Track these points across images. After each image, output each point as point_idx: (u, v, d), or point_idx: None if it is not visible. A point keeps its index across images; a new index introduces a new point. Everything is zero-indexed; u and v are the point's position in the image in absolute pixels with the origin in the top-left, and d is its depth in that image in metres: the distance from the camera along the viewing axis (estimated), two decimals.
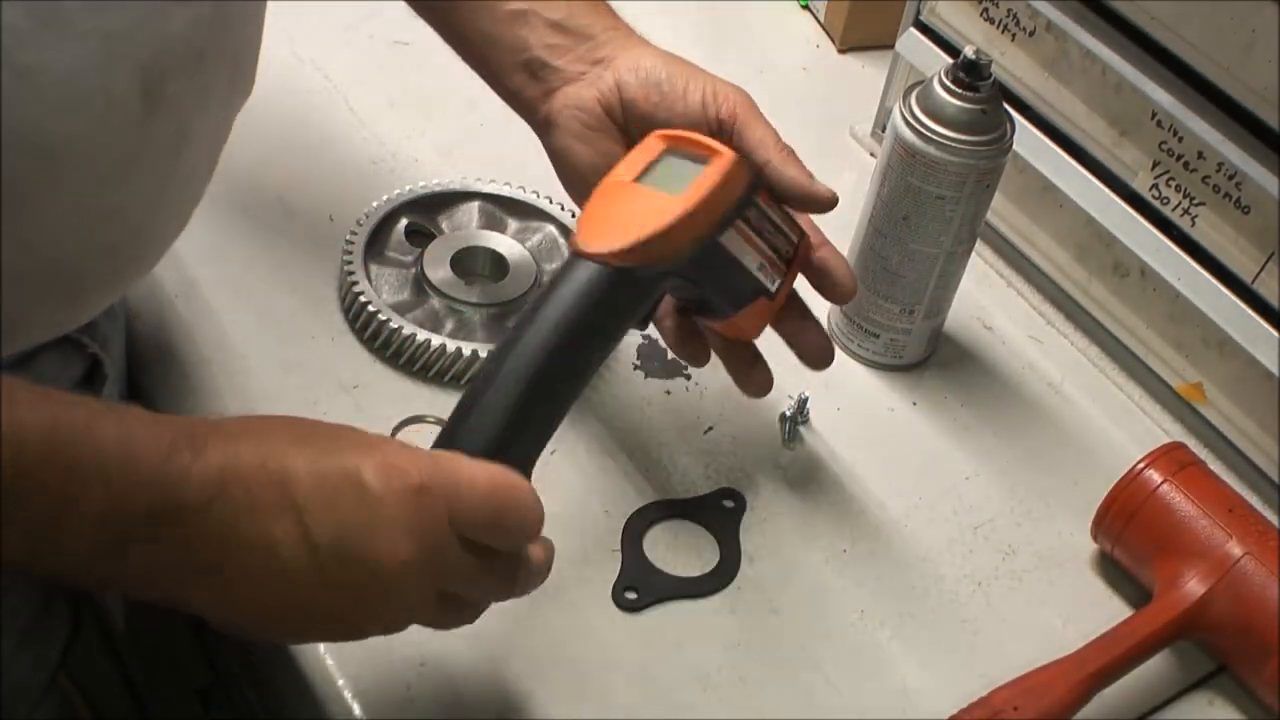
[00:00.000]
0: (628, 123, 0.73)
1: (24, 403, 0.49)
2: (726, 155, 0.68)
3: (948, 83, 0.77)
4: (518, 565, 0.59)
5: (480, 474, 0.57)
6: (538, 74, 0.74)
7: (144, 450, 0.51)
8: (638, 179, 0.67)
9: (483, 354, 0.79)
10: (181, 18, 0.58)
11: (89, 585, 0.54)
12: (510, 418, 0.61)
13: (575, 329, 0.62)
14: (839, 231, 0.89)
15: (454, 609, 0.60)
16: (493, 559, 0.58)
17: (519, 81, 0.75)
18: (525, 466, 0.61)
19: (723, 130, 0.72)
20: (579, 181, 0.74)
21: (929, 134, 0.77)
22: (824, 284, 0.75)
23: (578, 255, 0.64)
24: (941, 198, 0.78)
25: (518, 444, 0.61)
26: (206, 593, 0.54)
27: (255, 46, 0.70)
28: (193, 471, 0.51)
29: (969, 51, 0.76)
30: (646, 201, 0.66)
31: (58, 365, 0.70)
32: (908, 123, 0.78)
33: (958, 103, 0.77)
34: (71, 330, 0.68)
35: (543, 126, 0.75)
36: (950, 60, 0.78)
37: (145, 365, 0.81)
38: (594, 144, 0.73)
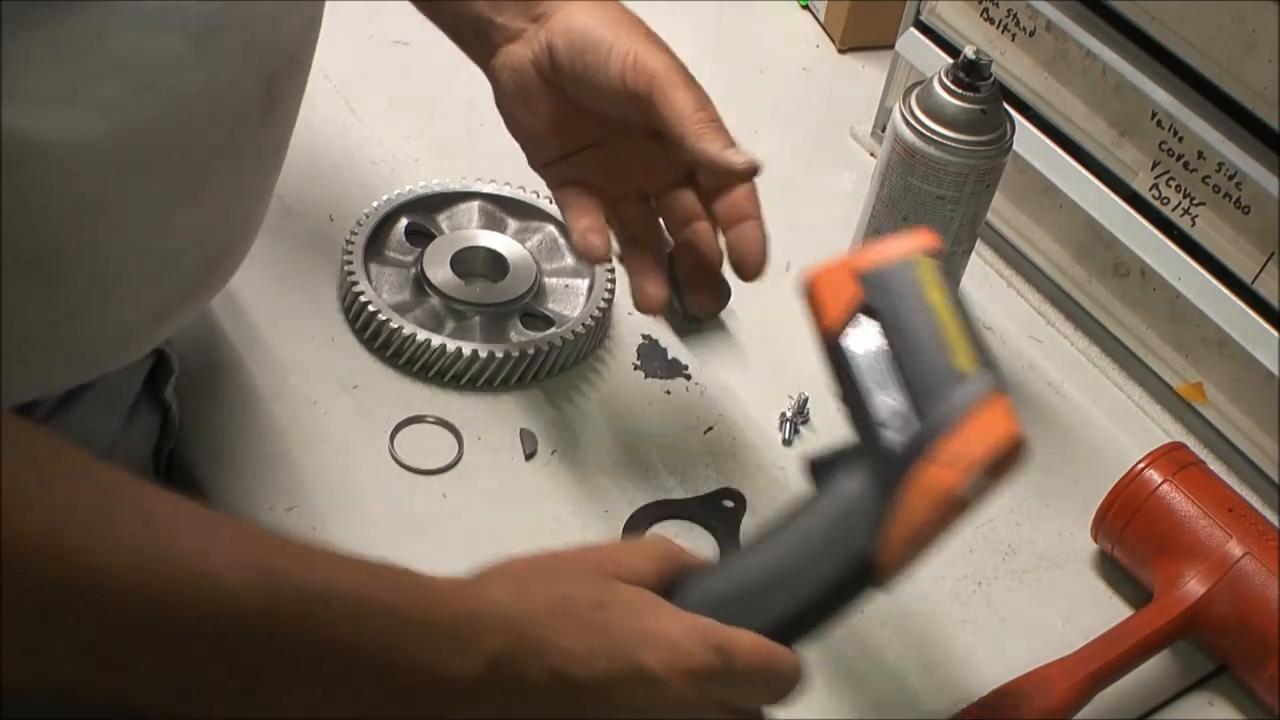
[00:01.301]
0: (562, 84, 0.70)
1: (281, 571, 0.46)
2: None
3: (948, 83, 0.77)
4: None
5: (747, 639, 0.54)
6: (483, 32, 0.72)
7: (414, 641, 0.48)
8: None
9: (483, 354, 0.79)
10: (291, 25, 0.60)
11: None
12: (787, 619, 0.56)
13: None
14: (840, 229, 0.89)
15: None
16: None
17: (471, 41, 0.74)
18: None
19: (641, 103, 0.68)
20: (523, 139, 0.74)
21: (929, 134, 0.77)
22: (733, 263, 0.70)
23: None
24: (941, 198, 0.78)
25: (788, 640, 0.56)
26: None
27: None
28: (461, 662, 0.49)
29: (969, 51, 0.76)
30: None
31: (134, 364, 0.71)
32: (908, 123, 0.78)
33: (958, 103, 0.77)
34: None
35: (492, 85, 0.74)
36: (950, 60, 0.78)
37: None
38: (531, 105, 0.72)
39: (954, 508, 0.54)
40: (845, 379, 0.57)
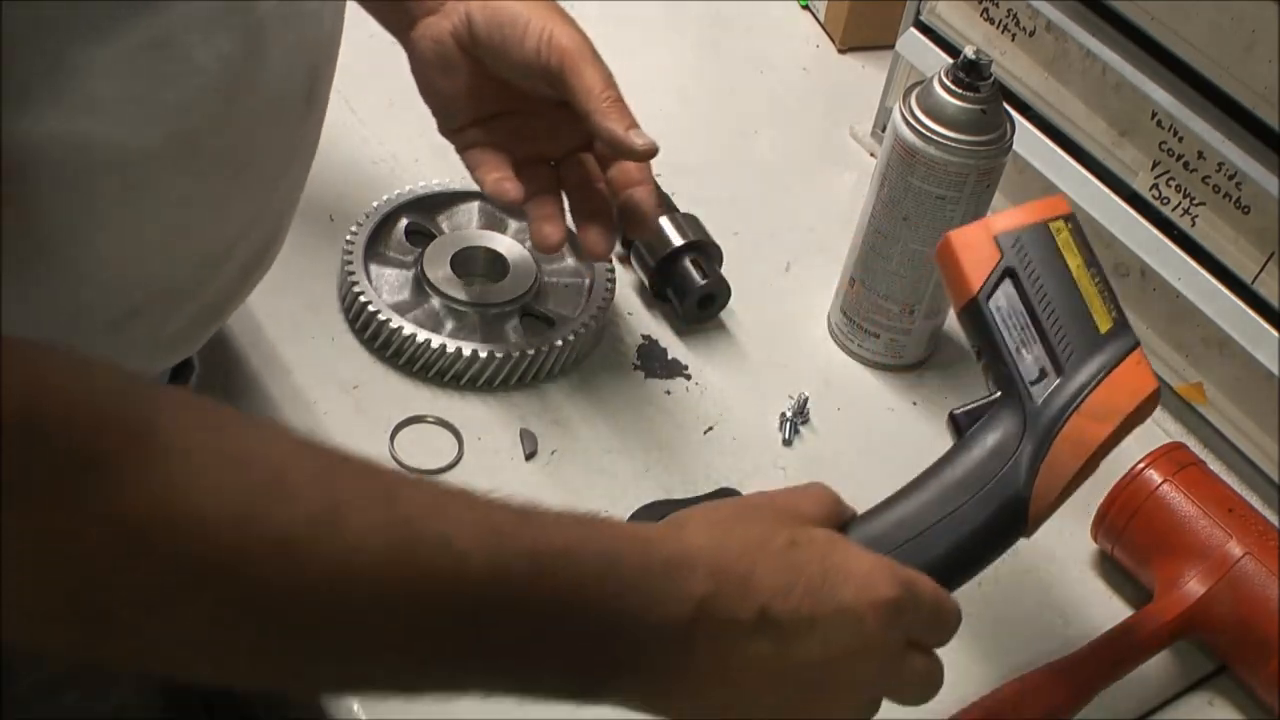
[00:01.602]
0: (479, 56, 0.74)
1: (507, 531, 0.48)
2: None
3: (948, 83, 0.77)
4: (939, 668, 0.59)
5: (923, 578, 0.57)
6: (403, 4, 0.75)
7: (628, 576, 0.50)
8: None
9: (483, 354, 0.79)
10: (330, 18, 0.62)
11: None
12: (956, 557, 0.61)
13: None
14: (840, 229, 0.89)
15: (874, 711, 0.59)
16: (927, 660, 0.58)
17: (389, 13, 0.76)
18: None
19: (552, 77, 0.71)
20: (437, 106, 0.77)
21: (929, 134, 0.77)
22: (623, 217, 0.76)
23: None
24: (941, 198, 0.78)
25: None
26: (684, 707, 0.53)
27: None
28: (673, 603, 0.51)
29: (969, 51, 0.76)
30: None
31: None
32: (908, 123, 0.78)
33: (958, 103, 0.77)
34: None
35: (409, 54, 0.77)
36: (950, 60, 0.78)
37: None
38: (449, 74, 0.75)
39: (1097, 456, 0.60)
40: (986, 337, 0.62)
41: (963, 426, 0.62)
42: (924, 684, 0.58)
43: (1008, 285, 0.63)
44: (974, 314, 0.63)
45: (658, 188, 0.84)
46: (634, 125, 0.71)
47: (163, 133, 0.53)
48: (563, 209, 0.78)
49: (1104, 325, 0.62)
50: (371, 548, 0.45)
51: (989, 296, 0.63)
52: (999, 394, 0.62)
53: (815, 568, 0.54)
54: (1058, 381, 0.61)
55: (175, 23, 0.51)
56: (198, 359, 0.75)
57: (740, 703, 0.53)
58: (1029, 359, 0.62)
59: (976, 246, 0.63)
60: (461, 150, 0.77)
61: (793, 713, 0.55)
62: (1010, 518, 0.60)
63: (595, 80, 0.71)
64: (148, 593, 0.42)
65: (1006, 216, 0.64)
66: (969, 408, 0.62)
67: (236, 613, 0.43)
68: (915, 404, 0.86)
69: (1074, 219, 0.64)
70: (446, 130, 0.78)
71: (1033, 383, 0.61)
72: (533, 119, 0.76)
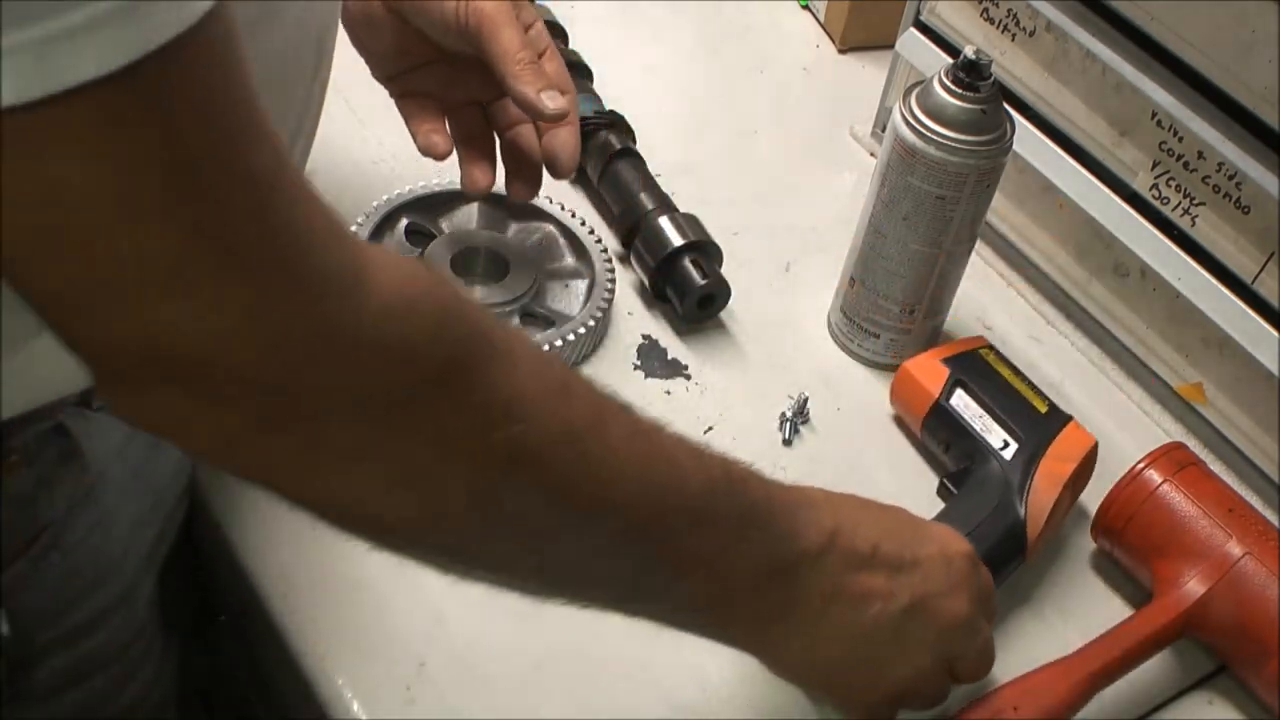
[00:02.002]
0: (403, 15, 0.75)
1: (704, 454, 0.57)
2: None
3: (948, 83, 0.77)
4: (993, 644, 0.66)
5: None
6: None
7: (781, 505, 0.59)
8: None
9: None
10: None
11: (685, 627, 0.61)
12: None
13: None
14: (840, 229, 0.89)
15: (944, 680, 0.65)
16: (988, 630, 0.65)
17: None
18: None
19: (472, 40, 0.73)
20: (367, 56, 0.79)
21: (929, 134, 0.77)
22: (546, 161, 0.78)
23: None
24: (941, 198, 0.78)
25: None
26: (791, 637, 0.60)
27: None
28: (809, 533, 0.59)
29: (969, 51, 0.76)
30: None
31: None
32: (908, 123, 0.78)
33: (958, 103, 0.77)
34: None
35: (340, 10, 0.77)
36: (950, 60, 0.78)
37: None
38: (375, 29, 0.76)
39: (1066, 492, 0.76)
40: (955, 426, 0.79)
41: (955, 484, 0.77)
42: (985, 649, 0.65)
43: (960, 392, 0.80)
44: (940, 413, 0.80)
45: (648, 177, 0.85)
46: (547, 87, 0.73)
47: None
48: (494, 152, 0.80)
49: (1042, 408, 0.79)
50: (625, 453, 0.53)
51: (948, 399, 0.80)
52: (972, 464, 0.77)
53: (907, 525, 0.64)
54: (1017, 445, 0.77)
55: None
56: None
57: (850, 634, 0.60)
58: (991, 437, 0.78)
59: (929, 369, 0.81)
60: (394, 97, 0.80)
61: (890, 646, 0.61)
62: (1014, 542, 0.73)
63: (511, 43, 0.72)
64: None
65: (942, 350, 0.82)
66: (953, 474, 0.78)
67: (534, 493, 0.50)
68: None
69: (993, 347, 0.83)
70: (378, 77, 0.80)
71: (1000, 449, 0.77)
72: (460, 66, 0.77)
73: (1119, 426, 0.86)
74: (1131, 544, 0.74)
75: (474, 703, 0.68)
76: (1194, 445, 0.83)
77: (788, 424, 0.82)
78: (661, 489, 0.54)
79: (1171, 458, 0.75)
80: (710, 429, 0.82)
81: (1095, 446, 0.78)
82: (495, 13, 0.72)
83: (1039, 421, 0.78)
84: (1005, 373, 0.81)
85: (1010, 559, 0.73)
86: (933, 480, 0.81)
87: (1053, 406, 0.79)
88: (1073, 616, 0.75)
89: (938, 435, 0.80)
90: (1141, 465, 0.74)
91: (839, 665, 0.61)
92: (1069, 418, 0.79)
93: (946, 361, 0.81)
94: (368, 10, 0.76)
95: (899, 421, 0.85)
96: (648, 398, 0.83)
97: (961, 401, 0.79)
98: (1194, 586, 0.70)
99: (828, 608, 0.59)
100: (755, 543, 0.57)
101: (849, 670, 0.61)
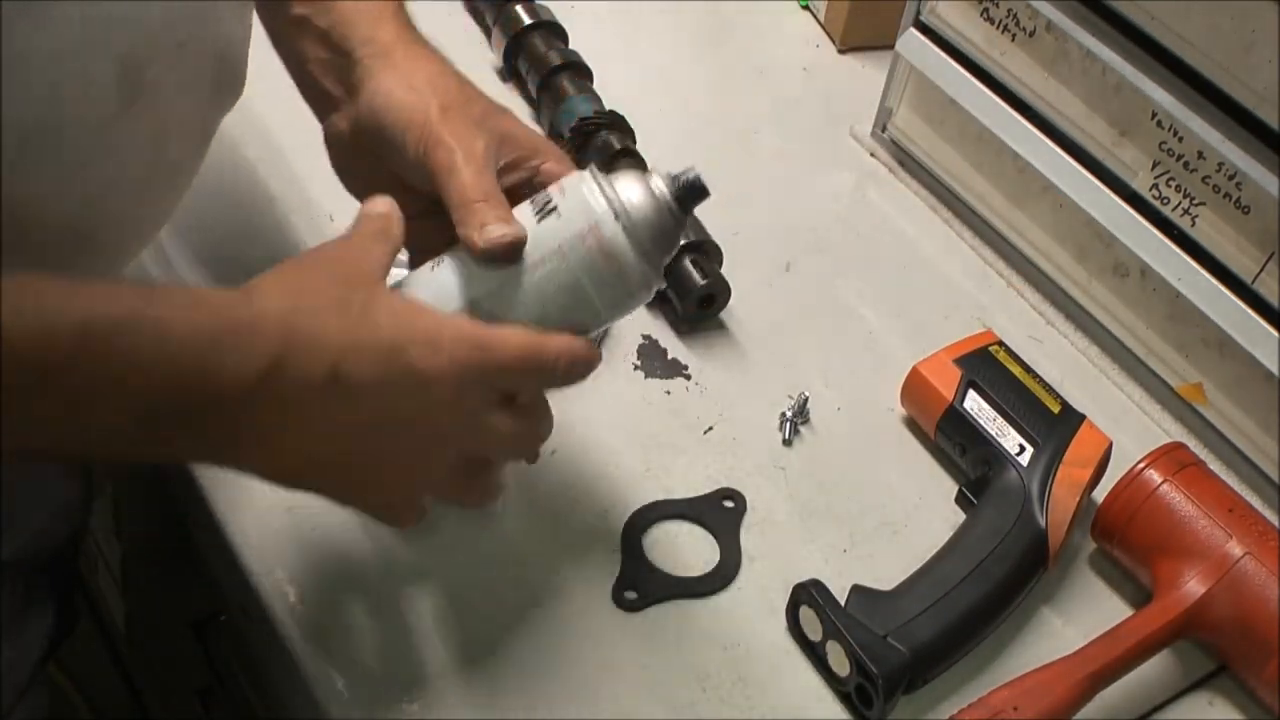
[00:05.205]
0: (379, 156, 0.69)
1: (56, 295, 0.51)
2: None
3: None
4: (530, 425, 0.63)
5: (512, 335, 0.60)
6: (319, 99, 0.72)
7: (179, 347, 0.53)
8: None
9: None
10: (160, 9, 0.60)
11: (134, 462, 0.59)
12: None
13: None
14: (840, 229, 0.88)
15: (474, 474, 0.63)
16: (520, 412, 0.62)
17: (312, 103, 0.73)
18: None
19: (431, 184, 0.66)
20: (354, 193, 0.72)
21: None
22: None
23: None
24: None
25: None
26: (254, 461, 0.58)
27: (242, 44, 0.70)
28: (235, 367, 0.54)
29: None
30: None
31: None
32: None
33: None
34: None
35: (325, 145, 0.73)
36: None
37: None
38: (358, 174, 0.71)
39: (1084, 495, 0.76)
40: (970, 432, 0.79)
41: (974, 494, 0.76)
42: (514, 442, 0.63)
43: (973, 393, 0.79)
44: (954, 417, 0.79)
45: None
46: (485, 222, 0.63)
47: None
48: None
49: (1055, 408, 0.79)
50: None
51: (962, 401, 0.79)
52: (989, 470, 0.76)
53: (387, 332, 0.58)
54: (1034, 450, 0.76)
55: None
56: None
57: (312, 455, 0.58)
58: (1007, 441, 0.77)
59: (941, 370, 0.81)
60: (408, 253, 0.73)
61: (366, 465, 0.59)
62: (1036, 547, 0.73)
63: (459, 192, 0.64)
64: None
65: (953, 349, 0.82)
66: (971, 484, 0.77)
67: None
68: None
69: (1002, 343, 0.82)
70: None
71: (1017, 454, 0.76)
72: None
73: (1119, 427, 0.86)
74: (1131, 544, 0.75)
75: (474, 703, 0.68)
76: (1194, 445, 0.83)
77: (788, 424, 0.82)
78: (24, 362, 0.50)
79: (1172, 458, 0.75)
80: (710, 429, 0.82)
81: (1110, 446, 0.78)
82: (448, 162, 0.65)
83: (1054, 423, 0.78)
84: (1016, 370, 0.80)
85: (1034, 572, 0.73)
86: (939, 481, 0.81)
87: (1065, 405, 0.79)
88: (1073, 616, 0.75)
89: (953, 439, 0.80)
90: (1141, 465, 0.74)
91: (323, 477, 0.60)
92: (1082, 417, 0.78)
93: (958, 361, 0.81)
94: (343, 151, 0.71)
95: (906, 421, 0.85)
96: (648, 398, 0.83)
97: (975, 404, 0.79)
98: (1194, 586, 0.70)
99: (274, 439, 0.57)
100: (133, 394, 0.53)
101: (339, 476, 0.60)
